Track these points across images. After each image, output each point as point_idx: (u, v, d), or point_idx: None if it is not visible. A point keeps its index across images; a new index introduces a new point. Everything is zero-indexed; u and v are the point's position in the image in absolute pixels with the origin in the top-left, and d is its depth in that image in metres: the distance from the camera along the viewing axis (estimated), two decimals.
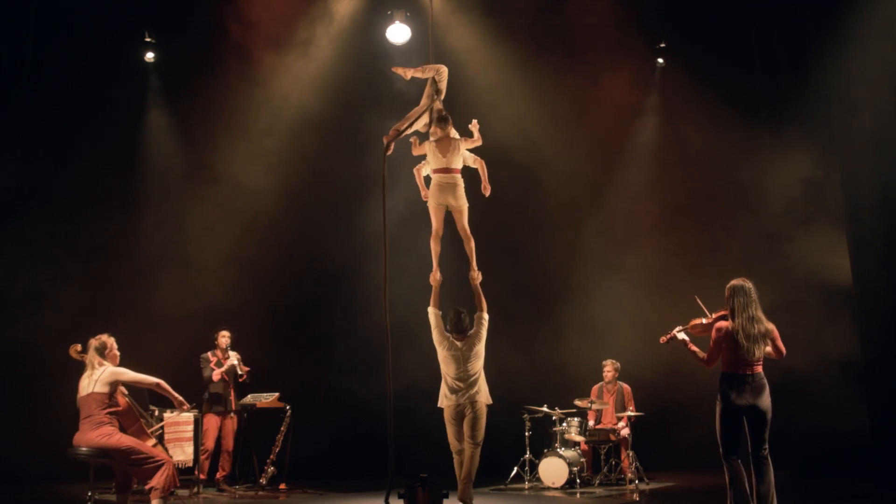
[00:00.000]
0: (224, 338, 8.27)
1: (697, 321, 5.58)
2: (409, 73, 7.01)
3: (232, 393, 8.15)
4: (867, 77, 8.57)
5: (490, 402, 6.54)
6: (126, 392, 5.86)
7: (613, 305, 9.72)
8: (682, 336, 5.63)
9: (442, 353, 6.57)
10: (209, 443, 7.87)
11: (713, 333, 5.35)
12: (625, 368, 8.91)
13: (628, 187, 10.25)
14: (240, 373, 8.22)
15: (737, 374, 5.22)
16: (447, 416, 6.49)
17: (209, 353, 8.22)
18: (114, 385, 5.58)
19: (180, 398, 5.80)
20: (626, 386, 8.76)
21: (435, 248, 6.69)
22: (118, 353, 5.81)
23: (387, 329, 5.80)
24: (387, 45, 9.72)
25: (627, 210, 10.19)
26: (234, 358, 8.18)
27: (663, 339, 5.72)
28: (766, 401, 5.24)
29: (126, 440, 5.49)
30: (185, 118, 9.91)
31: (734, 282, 5.40)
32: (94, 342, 5.70)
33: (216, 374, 8.07)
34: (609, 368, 8.79)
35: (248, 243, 9.67)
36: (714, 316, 5.49)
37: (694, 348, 5.54)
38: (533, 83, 10.02)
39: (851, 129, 8.88)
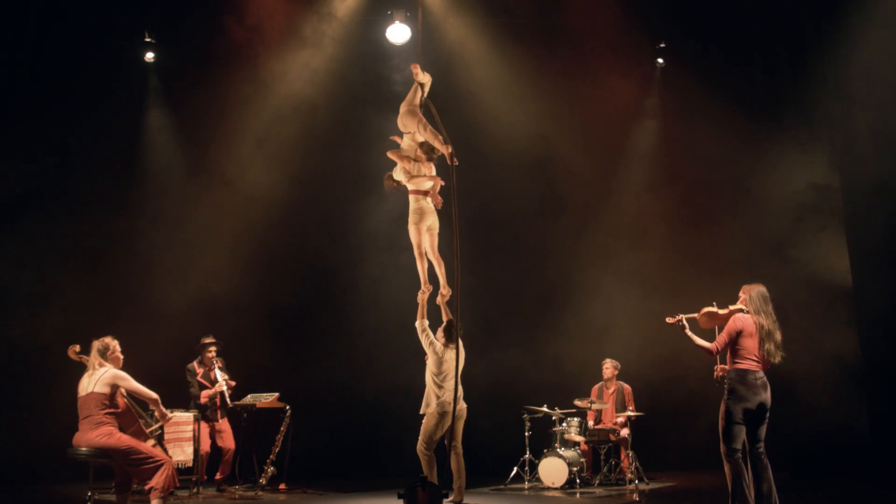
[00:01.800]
0: (210, 353, 8.10)
1: (711, 309, 5.54)
2: (420, 76, 7.11)
3: (217, 404, 8.06)
4: (867, 77, 8.58)
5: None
6: (125, 393, 5.85)
7: (614, 306, 9.72)
8: (685, 323, 5.60)
9: (437, 362, 6.88)
10: (205, 445, 7.83)
11: (732, 324, 5.35)
12: (625, 368, 8.91)
13: (629, 187, 10.25)
14: (226, 388, 8.09)
15: (751, 371, 5.28)
16: (432, 421, 6.82)
17: (195, 364, 8.08)
18: (114, 387, 5.56)
19: (165, 412, 5.83)
20: (626, 386, 8.77)
21: (422, 265, 6.96)
22: (121, 356, 5.77)
23: (457, 326, 6.04)
24: (387, 45, 9.73)
25: (628, 210, 10.19)
26: (223, 383, 8.02)
27: (670, 319, 5.65)
28: (769, 399, 5.32)
29: (126, 440, 5.48)
30: (185, 118, 9.91)
31: (755, 286, 5.48)
32: (96, 344, 5.67)
33: (204, 397, 7.94)
34: (608, 366, 8.80)
35: (247, 243, 9.67)
36: (731, 308, 5.47)
37: (694, 336, 5.52)
38: (533, 83, 10.02)
39: (852, 129, 8.89)
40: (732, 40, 9.94)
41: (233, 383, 8.17)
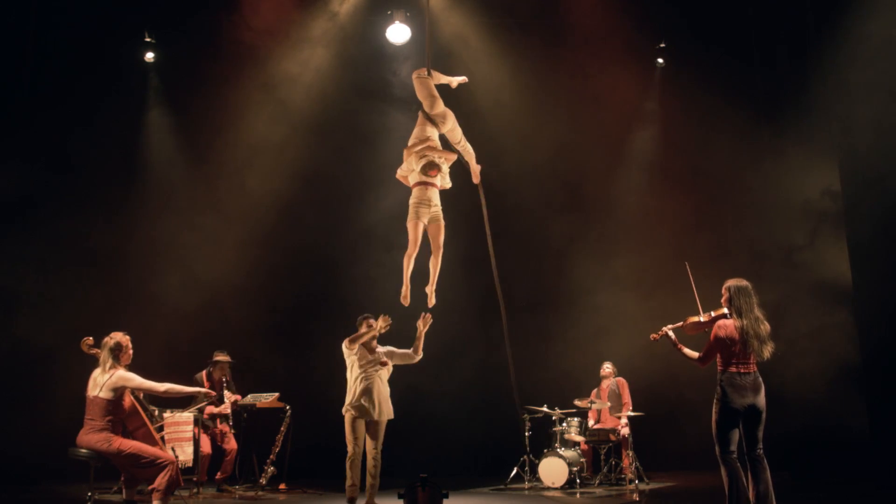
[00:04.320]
0: (221, 370, 8.06)
1: (694, 319, 5.57)
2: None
3: (218, 423, 8.04)
4: (868, 77, 8.57)
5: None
6: (140, 395, 5.81)
7: (615, 306, 9.72)
8: (672, 335, 5.63)
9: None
10: (206, 448, 7.81)
11: (715, 331, 5.33)
12: (626, 368, 8.93)
13: (629, 188, 10.24)
14: (230, 400, 8.05)
15: (739, 373, 5.24)
16: None
17: (203, 376, 8.02)
18: (119, 391, 5.49)
19: (198, 388, 5.73)
20: (619, 378, 8.78)
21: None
22: (131, 353, 5.70)
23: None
24: (386, 45, 9.74)
25: (628, 212, 10.18)
26: (229, 404, 7.98)
27: (654, 336, 5.70)
28: (763, 399, 5.27)
29: (126, 445, 5.42)
30: (185, 118, 9.92)
31: (735, 282, 5.40)
32: (108, 341, 5.55)
33: (206, 413, 7.74)
34: (607, 367, 8.87)
35: (248, 242, 9.68)
36: (713, 314, 5.47)
37: (683, 347, 5.54)
38: (531, 83, 10.02)
39: (853, 129, 8.87)
40: (733, 41, 9.93)
41: (237, 397, 8.12)
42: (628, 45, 9.96)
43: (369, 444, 6.76)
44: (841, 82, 8.96)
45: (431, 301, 6.61)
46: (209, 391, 5.80)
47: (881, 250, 8.49)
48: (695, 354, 5.47)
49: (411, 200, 6.48)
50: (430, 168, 6.43)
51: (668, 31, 10.04)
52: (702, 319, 5.51)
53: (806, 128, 9.29)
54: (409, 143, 6.62)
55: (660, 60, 10.17)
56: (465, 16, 9.81)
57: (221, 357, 8.12)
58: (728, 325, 5.31)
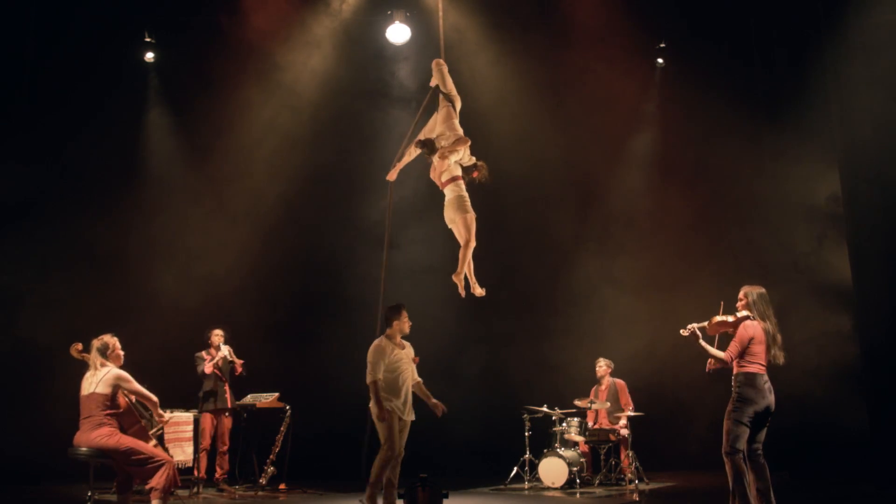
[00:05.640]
0: (217, 336, 8.12)
1: (720, 318, 5.61)
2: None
3: (227, 391, 8.04)
4: (869, 79, 8.58)
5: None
6: (127, 393, 5.82)
7: (615, 306, 9.73)
8: (699, 332, 5.65)
9: None
10: (205, 442, 7.84)
11: (743, 332, 5.40)
12: (626, 369, 8.91)
13: (630, 188, 10.24)
14: (235, 362, 8.04)
15: (760, 375, 5.36)
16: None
17: (203, 352, 8.08)
18: (116, 387, 5.53)
19: (163, 414, 5.80)
20: (618, 381, 8.75)
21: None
22: (122, 353, 5.74)
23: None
24: (387, 45, 9.75)
25: (629, 213, 10.19)
26: (224, 350, 8.01)
27: (684, 331, 5.72)
28: (774, 402, 5.41)
29: (126, 441, 5.45)
30: (185, 118, 9.93)
31: (755, 287, 5.54)
32: (96, 342, 5.62)
33: (208, 367, 7.91)
34: (602, 365, 8.81)
35: (248, 243, 9.69)
36: (739, 315, 5.53)
37: (707, 345, 5.57)
38: (531, 83, 10.02)
39: (852, 129, 8.88)
40: (733, 39, 9.93)
41: (240, 360, 8.06)
42: (629, 45, 9.96)
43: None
44: (839, 78, 8.96)
45: (478, 290, 6.44)
46: (164, 417, 5.81)
47: (881, 248, 8.49)
48: (720, 354, 5.50)
49: (456, 194, 6.36)
50: (475, 169, 6.41)
51: (668, 31, 10.03)
52: (729, 319, 5.58)
53: (807, 127, 9.29)
54: (453, 136, 6.43)
55: (660, 60, 10.17)
56: (467, 15, 9.81)
57: (214, 330, 8.14)
58: (756, 327, 5.43)
